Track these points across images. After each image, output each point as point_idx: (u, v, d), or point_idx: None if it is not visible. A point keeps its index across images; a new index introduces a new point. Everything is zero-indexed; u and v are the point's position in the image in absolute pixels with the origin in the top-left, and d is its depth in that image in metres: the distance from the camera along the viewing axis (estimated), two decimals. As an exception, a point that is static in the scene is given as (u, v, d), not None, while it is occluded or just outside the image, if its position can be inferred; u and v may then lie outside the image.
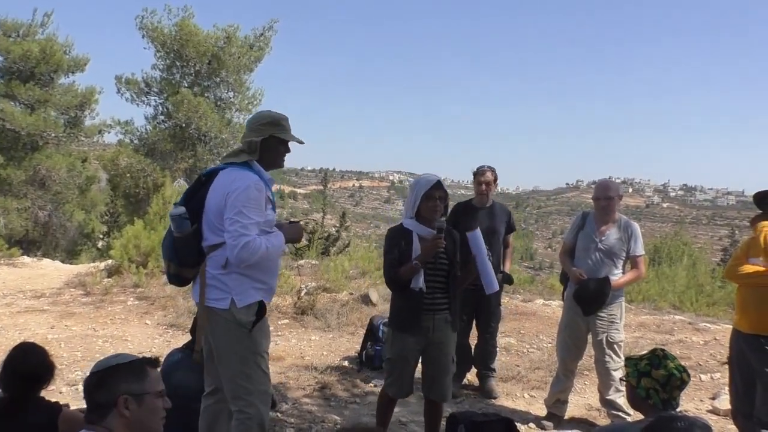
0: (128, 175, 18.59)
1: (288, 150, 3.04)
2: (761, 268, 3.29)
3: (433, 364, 3.47)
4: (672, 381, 2.44)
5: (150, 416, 1.94)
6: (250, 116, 3.07)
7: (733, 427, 3.78)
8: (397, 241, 3.38)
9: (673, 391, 2.45)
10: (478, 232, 3.39)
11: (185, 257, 2.91)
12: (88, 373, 1.99)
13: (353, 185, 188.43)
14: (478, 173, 4.97)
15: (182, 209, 2.86)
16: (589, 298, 4.15)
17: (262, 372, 2.88)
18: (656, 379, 2.46)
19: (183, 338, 5.25)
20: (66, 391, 4.73)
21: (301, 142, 3.05)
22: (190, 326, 4.07)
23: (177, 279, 3.03)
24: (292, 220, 3.20)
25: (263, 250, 2.74)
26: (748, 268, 3.38)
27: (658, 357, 2.52)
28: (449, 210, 4.64)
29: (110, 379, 1.91)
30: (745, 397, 3.40)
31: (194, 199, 2.93)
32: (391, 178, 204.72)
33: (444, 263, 3.38)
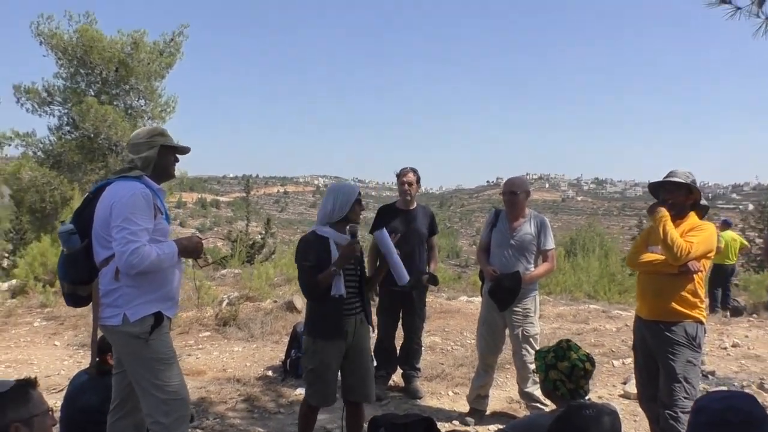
0: (33, 189, 17.49)
1: (177, 159, 3.09)
2: (659, 257, 3.44)
3: (356, 366, 3.48)
4: (575, 372, 2.52)
5: None
6: (135, 136, 3.02)
7: (642, 409, 3.96)
8: (314, 248, 3.34)
9: (579, 381, 2.53)
10: (384, 231, 3.52)
11: (77, 275, 2.88)
12: None
13: (278, 191, 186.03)
14: (401, 174, 5.04)
15: (70, 226, 2.87)
16: (502, 293, 4.26)
17: (171, 379, 2.85)
18: (561, 370, 2.54)
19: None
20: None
21: (187, 150, 3.11)
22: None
23: (72, 299, 2.99)
24: (196, 234, 3.16)
25: (154, 257, 2.72)
26: (648, 257, 3.53)
27: (562, 349, 2.60)
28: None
29: None
30: (649, 382, 3.55)
31: (83, 215, 2.91)
32: (316, 182, 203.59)
33: (356, 267, 3.45)
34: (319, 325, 3.39)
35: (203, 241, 3.08)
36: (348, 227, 3.36)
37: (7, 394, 1.85)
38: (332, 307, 3.34)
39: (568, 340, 2.67)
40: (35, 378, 1.99)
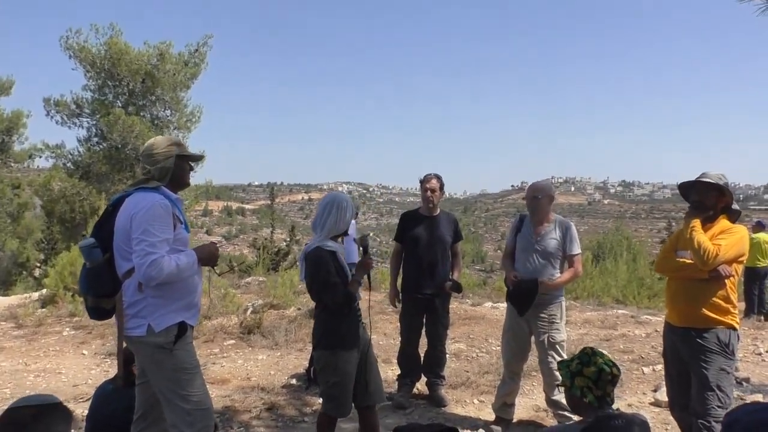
0: (63, 199, 17.90)
1: (192, 168, 3.13)
2: (689, 261, 3.35)
3: (369, 369, 3.51)
4: (603, 376, 2.46)
5: None
6: (147, 147, 3.02)
7: (673, 418, 3.85)
8: (331, 264, 3.33)
9: (606, 387, 2.47)
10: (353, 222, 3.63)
11: (100, 288, 2.89)
12: (11, 407, 1.95)
13: (302, 198, 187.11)
14: (424, 180, 4.99)
15: (91, 240, 2.88)
16: (520, 298, 4.21)
17: (195, 389, 2.86)
18: (588, 376, 2.48)
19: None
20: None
21: (202, 157, 3.18)
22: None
23: (96, 312, 3.01)
24: (212, 242, 3.17)
25: (173, 268, 2.73)
26: (677, 262, 3.44)
27: (587, 355, 2.54)
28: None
29: (48, 416, 1.90)
30: (681, 390, 3.45)
31: (104, 228, 2.92)
32: (340, 189, 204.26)
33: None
34: (343, 335, 3.37)
35: (224, 249, 3.09)
36: (360, 240, 3.47)
37: (58, 407, 1.96)
38: (351, 316, 3.39)
39: (592, 347, 2.62)
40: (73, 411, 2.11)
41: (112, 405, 3.35)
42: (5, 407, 1.99)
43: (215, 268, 3.19)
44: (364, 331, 3.54)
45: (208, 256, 2.99)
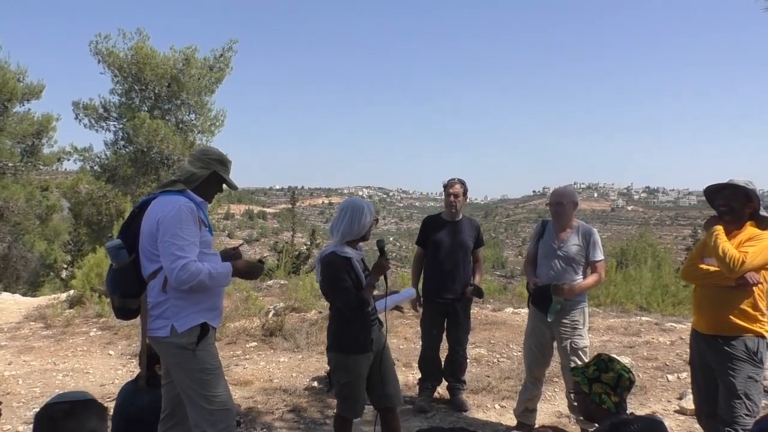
0: (90, 202, 18.22)
1: (221, 190, 3.17)
2: (715, 269, 3.32)
3: (384, 370, 3.52)
4: (621, 382, 2.46)
5: None
6: (199, 149, 3.15)
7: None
8: (345, 270, 3.35)
9: (623, 393, 2.47)
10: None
11: (126, 288, 2.95)
12: (47, 403, 2.01)
13: (323, 202, 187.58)
14: (448, 185, 4.99)
15: (118, 241, 2.94)
16: (540, 300, 4.24)
17: (217, 390, 2.90)
18: (606, 382, 2.47)
19: (146, 368, 5.11)
20: (23, 430, 4.55)
21: (235, 188, 3.20)
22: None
23: (122, 312, 3.07)
24: (261, 258, 3.18)
25: (205, 275, 2.76)
26: (703, 269, 3.41)
27: (603, 361, 2.54)
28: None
29: (84, 411, 1.96)
30: (708, 397, 3.42)
31: (130, 230, 2.98)
32: (360, 193, 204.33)
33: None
34: (355, 338, 3.40)
35: (245, 253, 3.11)
36: (377, 242, 3.47)
37: (94, 403, 2.01)
38: (365, 319, 3.40)
39: (606, 354, 2.62)
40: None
41: (136, 403, 3.41)
42: (35, 405, 2.06)
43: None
44: (380, 333, 3.53)
45: (243, 273, 3.04)
